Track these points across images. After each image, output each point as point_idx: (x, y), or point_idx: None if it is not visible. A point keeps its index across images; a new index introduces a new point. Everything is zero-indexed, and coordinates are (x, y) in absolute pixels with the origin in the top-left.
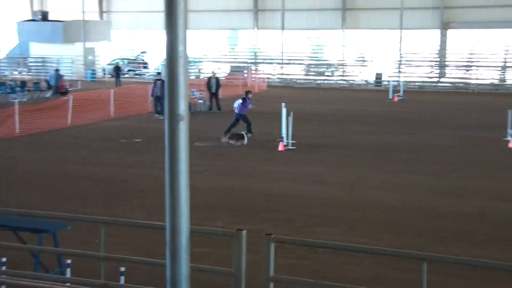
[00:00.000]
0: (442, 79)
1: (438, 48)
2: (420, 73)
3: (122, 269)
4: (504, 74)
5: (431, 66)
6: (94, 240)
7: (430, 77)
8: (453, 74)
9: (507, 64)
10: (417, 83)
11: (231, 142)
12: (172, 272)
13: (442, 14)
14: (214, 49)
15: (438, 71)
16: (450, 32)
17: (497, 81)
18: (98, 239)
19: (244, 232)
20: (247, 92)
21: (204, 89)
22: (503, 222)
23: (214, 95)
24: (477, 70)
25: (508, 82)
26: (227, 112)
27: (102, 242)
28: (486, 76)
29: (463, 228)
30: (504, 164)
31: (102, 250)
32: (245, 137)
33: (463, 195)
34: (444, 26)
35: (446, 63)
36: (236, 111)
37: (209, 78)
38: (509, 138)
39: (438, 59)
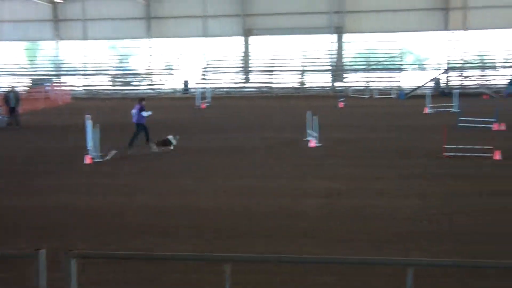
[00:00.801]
0: (247, 84)
1: (242, 54)
2: (226, 79)
3: None
4: (303, 78)
5: (236, 72)
6: None
7: (235, 83)
8: (257, 79)
9: (306, 68)
10: (223, 89)
11: (156, 149)
12: None
13: (243, 21)
14: (12, 62)
15: (243, 76)
16: (252, 39)
17: (297, 84)
18: None
19: (42, 251)
20: (141, 100)
21: (2, 104)
22: (309, 217)
23: (13, 110)
24: (279, 74)
25: (307, 85)
26: (28, 127)
27: None
28: (287, 80)
29: (270, 225)
30: (305, 163)
31: None
32: (172, 142)
33: (268, 194)
34: (246, 33)
35: (250, 68)
36: (134, 120)
37: (7, 93)
38: (309, 138)
39: (243, 65)
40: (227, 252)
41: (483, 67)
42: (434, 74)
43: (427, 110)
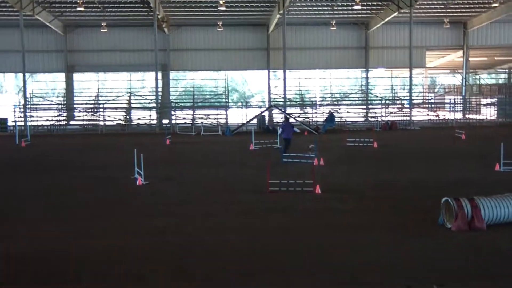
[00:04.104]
0: (71, 122)
1: (65, 91)
2: (48, 117)
3: None
4: (129, 115)
5: (59, 109)
6: None
7: (58, 120)
8: (81, 116)
9: (132, 105)
10: (45, 127)
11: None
12: None
13: (66, 57)
14: None
15: (66, 113)
16: (76, 76)
17: (123, 122)
18: None
19: None
20: (287, 119)
21: None
22: (135, 257)
23: None
24: (104, 111)
25: (134, 122)
26: None
27: None
28: (113, 117)
29: (93, 268)
30: (132, 201)
31: None
32: (314, 148)
33: (92, 235)
34: (69, 69)
35: (74, 105)
36: (284, 136)
37: None
38: (136, 176)
39: (65, 102)
40: None
41: (303, 105)
42: (258, 111)
43: (252, 147)
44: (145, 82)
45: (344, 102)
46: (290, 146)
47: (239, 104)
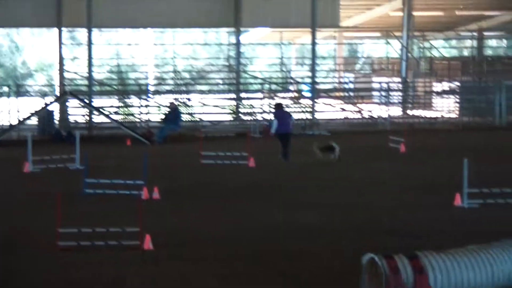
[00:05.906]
0: None
1: None
2: None
3: None
4: None
5: None
6: None
7: None
8: None
9: None
10: None
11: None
12: None
13: None
14: None
15: None
16: None
17: None
18: None
19: None
20: (280, 105)
21: None
22: None
23: None
24: None
25: None
26: None
27: None
28: None
29: None
30: None
31: None
32: (336, 149)
33: None
34: None
35: None
36: (281, 130)
37: None
38: None
39: None
40: None
41: (124, 92)
42: (41, 103)
43: (28, 168)
44: None
45: (198, 88)
46: (291, 145)
47: (5, 89)
